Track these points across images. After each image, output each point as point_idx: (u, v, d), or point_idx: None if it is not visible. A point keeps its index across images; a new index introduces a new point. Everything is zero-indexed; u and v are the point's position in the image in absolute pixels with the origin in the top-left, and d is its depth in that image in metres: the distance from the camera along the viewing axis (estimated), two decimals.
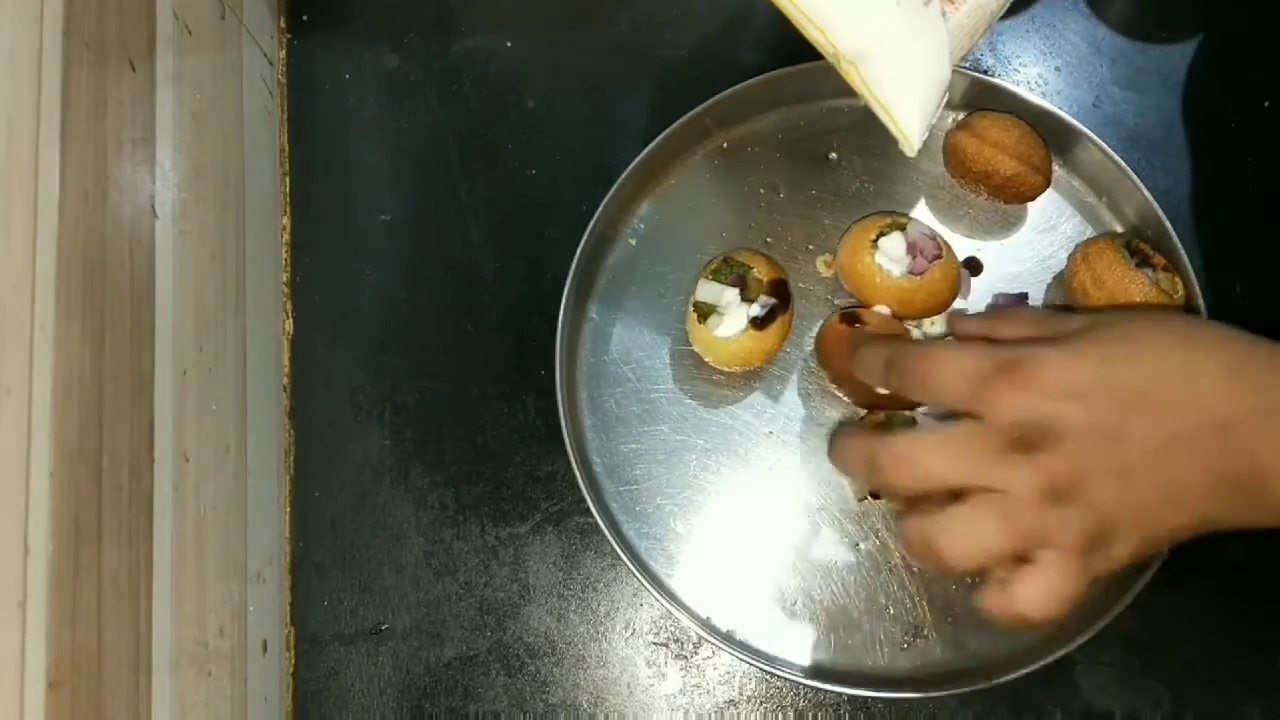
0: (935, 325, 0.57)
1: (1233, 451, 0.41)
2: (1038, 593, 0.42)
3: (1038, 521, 0.42)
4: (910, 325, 0.57)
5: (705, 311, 0.55)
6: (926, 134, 0.48)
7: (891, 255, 0.55)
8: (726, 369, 0.57)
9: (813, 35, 0.44)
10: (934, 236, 0.55)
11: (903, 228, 0.55)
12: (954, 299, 0.56)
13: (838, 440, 0.48)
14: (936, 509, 0.43)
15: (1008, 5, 0.48)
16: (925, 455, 0.43)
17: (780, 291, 0.55)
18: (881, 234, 0.55)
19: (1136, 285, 0.53)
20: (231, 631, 0.53)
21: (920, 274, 0.55)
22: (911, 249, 0.55)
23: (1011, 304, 0.58)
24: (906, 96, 0.46)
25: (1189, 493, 0.41)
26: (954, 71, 0.58)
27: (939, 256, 0.55)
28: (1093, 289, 0.54)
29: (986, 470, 0.42)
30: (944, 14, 0.44)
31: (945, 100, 0.49)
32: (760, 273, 0.55)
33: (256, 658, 0.56)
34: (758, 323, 0.54)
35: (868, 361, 0.49)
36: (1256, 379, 0.41)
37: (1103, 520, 0.41)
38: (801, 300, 0.59)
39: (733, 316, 0.54)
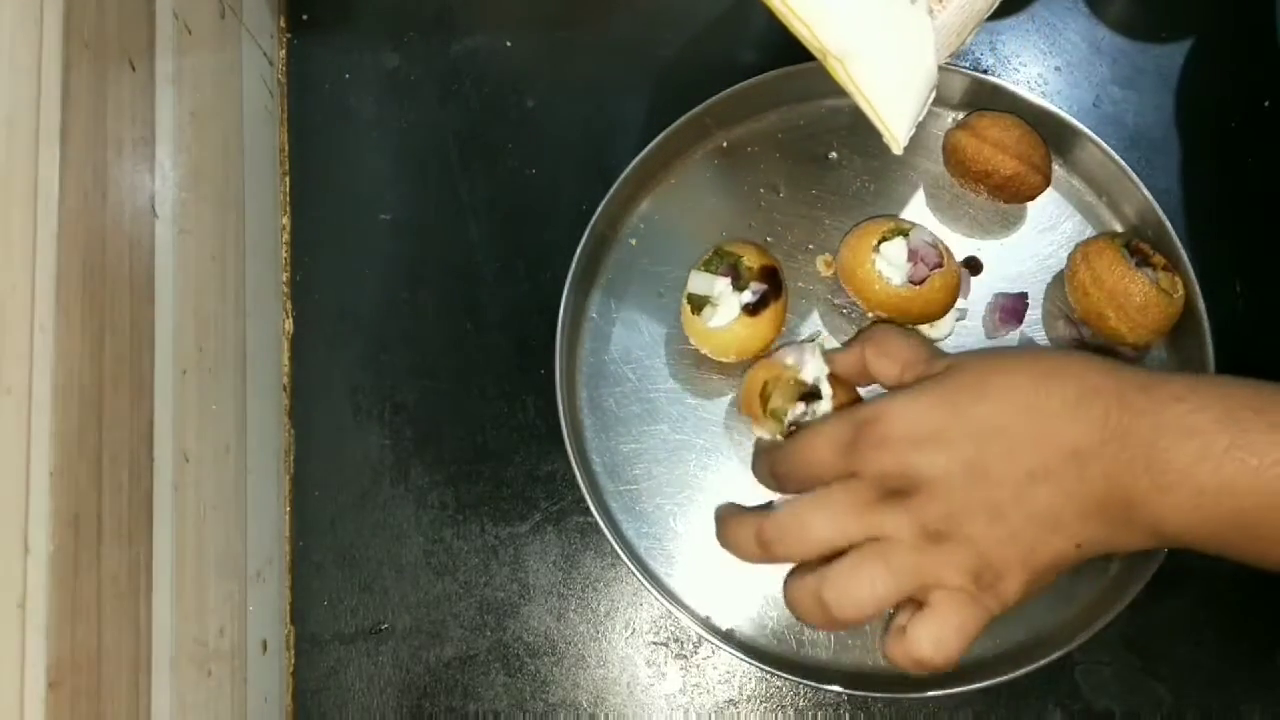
0: (935, 329, 0.57)
1: (1090, 479, 0.42)
2: (934, 633, 0.43)
3: (919, 563, 0.43)
4: (910, 328, 0.57)
5: (698, 303, 0.55)
6: (913, 131, 0.48)
7: (893, 261, 0.55)
8: (724, 359, 0.56)
9: (799, 30, 0.44)
10: (936, 245, 0.55)
11: (905, 234, 0.55)
12: (953, 304, 0.56)
13: (725, 523, 0.49)
14: (818, 567, 0.45)
15: (996, 4, 0.48)
16: (809, 520, 0.45)
17: (771, 278, 0.55)
18: (884, 239, 0.55)
19: (1136, 284, 0.53)
20: (231, 631, 0.53)
21: (920, 282, 0.54)
22: (913, 256, 0.55)
23: (1013, 303, 0.58)
24: (892, 94, 0.46)
25: (1060, 521, 0.42)
26: (953, 71, 0.58)
27: (940, 265, 0.55)
28: (1093, 288, 0.55)
29: (865, 521, 0.43)
30: (931, 12, 0.45)
31: (932, 98, 0.49)
32: (750, 261, 0.55)
33: (256, 657, 0.56)
34: (750, 309, 0.54)
35: (761, 475, 0.50)
36: (1105, 409, 0.42)
37: (983, 556, 0.42)
38: (801, 300, 0.59)
39: (725, 306, 0.54)
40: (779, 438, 0.52)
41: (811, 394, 0.52)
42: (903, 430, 0.44)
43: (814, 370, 0.52)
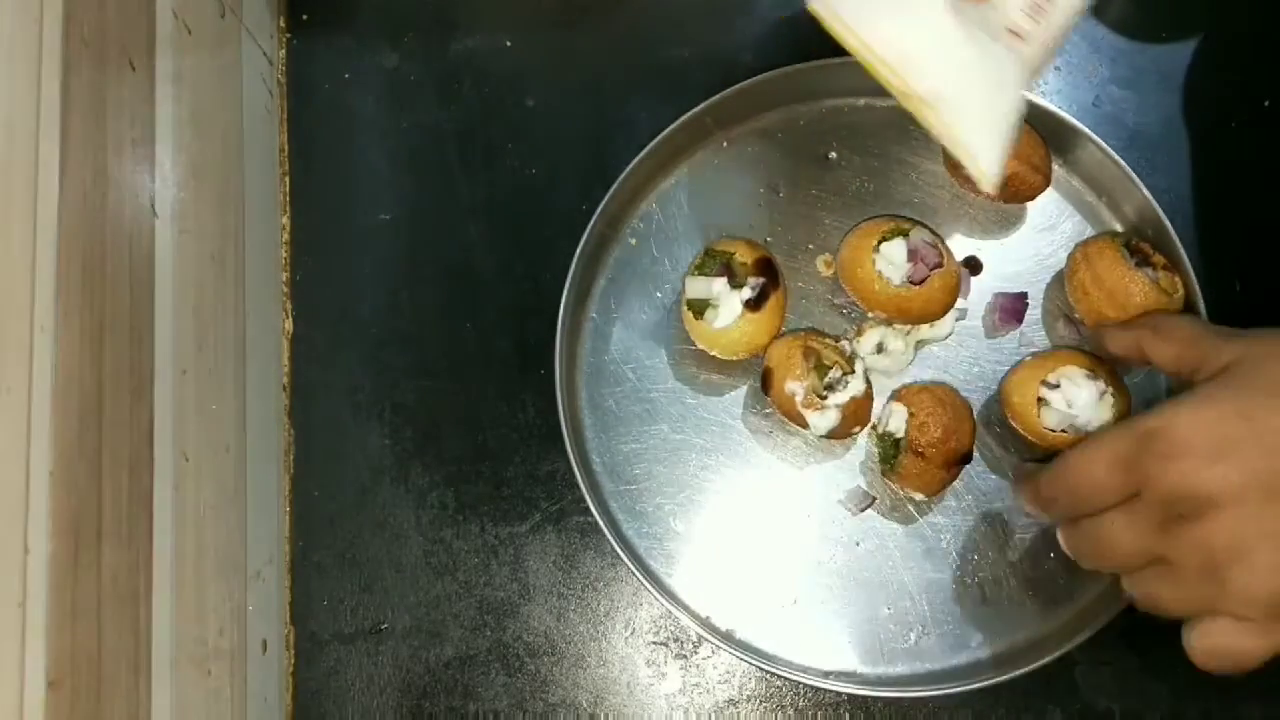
0: (935, 329, 0.57)
1: None
2: (1205, 646, 0.43)
3: (1206, 593, 0.42)
4: (909, 329, 0.57)
5: (699, 307, 0.55)
6: (1003, 169, 0.47)
7: (892, 261, 0.55)
8: (735, 357, 0.56)
9: (888, 79, 0.44)
10: (936, 245, 0.55)
11: (905, 234, 0.55)
12: (953, 304, 0.56)
13: (1026, 484, 0.49)
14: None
15: (1068, 38, 0.46)
16: (1112, 540, 0.44)
17: (767, 270, 0.55)
18: (884, 239, 0.55)
19: (1136, 284, 0.53)
20: (231, 631, 0.53)
21: (920, 282, 0.54)
22: (913, 256, 0.55)
23: (1012, 303, 0.58)
24: (983, 134, 0.45)
25: None
26: None
27: (939, 265, 0.55)
28: (1092, 288, 0.54)
29: (1152, 546, 0.43)
30: (1014, 48, 0.43)
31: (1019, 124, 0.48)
32: (743, 256, 0.55)
33: (256, 657, 0.56)
34: (751, 305, 0.54)
35: (1027, 497, 0.50)
36: None
37: (1275, 590, 0.40)
38: (801, 300, 0.59)
39: (726, 305, 0.54)
40: (812, 394, 0.54)
41: (849, 362, 0.55)
42: (1194, 443, 0.41)
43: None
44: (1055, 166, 0.59)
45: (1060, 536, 0.48)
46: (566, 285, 0.57)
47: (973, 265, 0.59)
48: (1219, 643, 0.42)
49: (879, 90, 0.60)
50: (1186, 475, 0.41)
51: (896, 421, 0.55)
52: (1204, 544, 0.41)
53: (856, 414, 0.55)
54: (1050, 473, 0.47)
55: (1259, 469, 0.40)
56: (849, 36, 0.43)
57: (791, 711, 0.57)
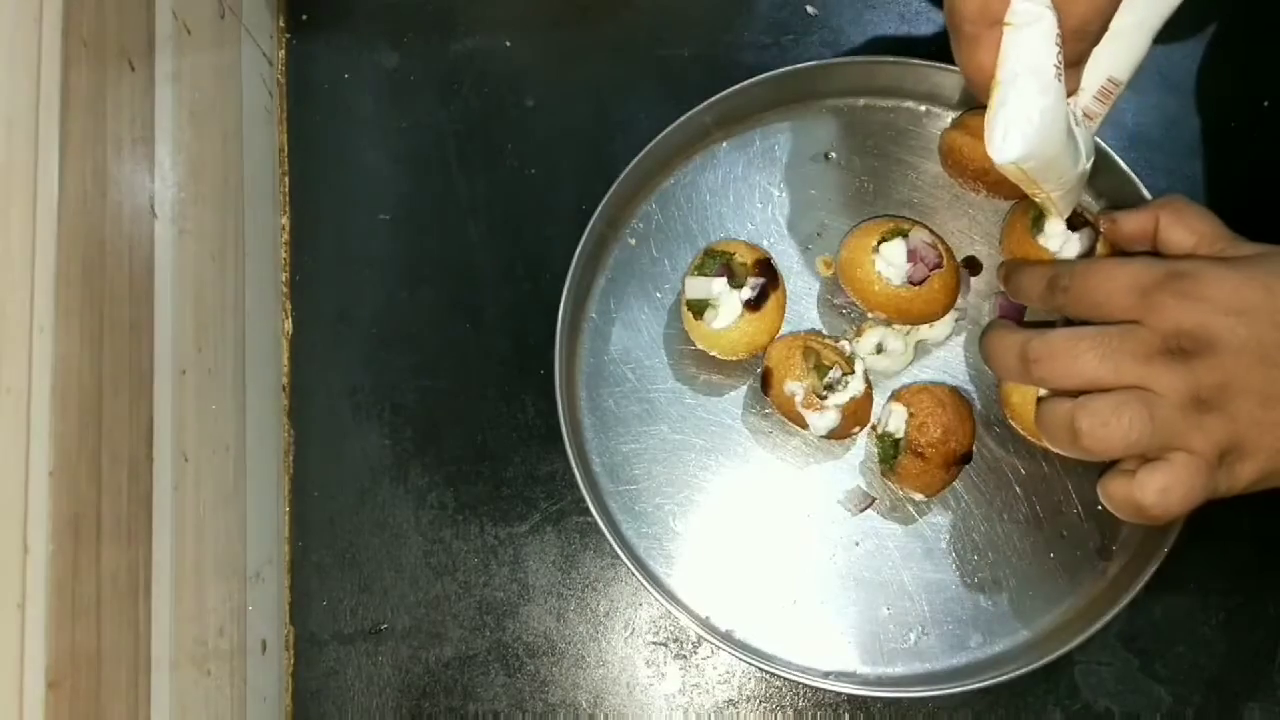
0: (935, 329, 0.57)
1: None
2: (1163, 485, 0.44)
3: (1177, 424, 0.43)
4: (909, 329, 0.57)
5: (699, 308, 0.55)
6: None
7: (892, 261, 0.55)
8: (735, 358, 0.56)
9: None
10: (936, 245, 0.55)
11: (905, 234, 0.55)
12: (953, 305, 0.56)
13: (992, 332, 0.49)
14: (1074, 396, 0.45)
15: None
16: (1082, 350, 0.45)
17: (766, 270, 0.55)
18: (884, 239, 0.55)
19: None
20: (231, 631, 0.53)
21: (919, 282, 0.54)
22: (913, 256, 0.55)
23: (1012, 303, 0.58)
24: (1063, 191, 0.50)
25: None
26: (953, 71, 0.58)
27: (939, 265, 0.55)
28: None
29: (1139, 369, 0.44)
30: (1088, 126, 0.50)
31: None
32: (743, 256, 0.55)
33: (256, 657, 0.56)
34: (752, 305, 0.54)
35: (1028, 283, 0.50)
36: None
37: (1237, 435, 0.43)
38: (800, 300, 0.59)
39: (726, 305, 0.55)
40: (812, 394, 0.54)
41: (849, 362, 0.55)
42: (1219, 294, 0.43)
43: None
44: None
45: (1034, 345, 0.46)
46: (566, 285, 0.57)
47: (973, 265, 0.59)
48: (1165, 482, 0.43)
49: (879, 90, 0.60)
50: (1198, 316, 0.43)
51: (896, 422, 0.55)
52: (1195, 379, 0.43)
53: (856, 414, 0.55)
54: (1072, 267, 0.48)
55: (1264, 335, 0.43)
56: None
57: (791, 712, 0.57)
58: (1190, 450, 0.43)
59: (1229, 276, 0.44)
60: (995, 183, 0.57)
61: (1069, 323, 0.48)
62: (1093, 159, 0.50)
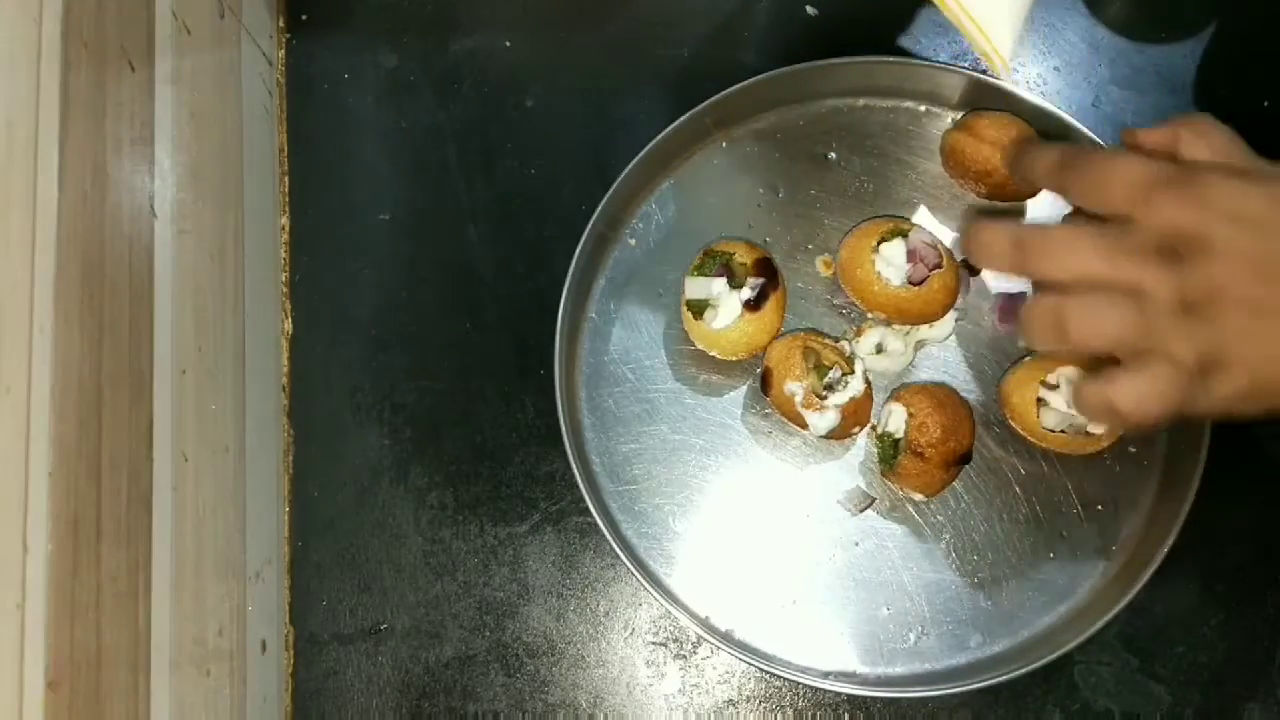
0: (935, 329, 0.57)
1: None
2: (1141, 389, 0.43)
3: (1163, 327, 0.42)
4: (909, 329, 0.57)
5: (698, 308, 0.55)
6: (1016, 53, 0.49)
7: (892, 261, 0.55)
8: (734, 358, 0.57)
9: None
10: (935, 245, 0.55)
11: (905, 234, 0.55)
12: (953, 305, 0.56)
13: (980, 225, 0.46)
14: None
15: None
16: (1076, 244, 0.44)
17: (766, 270, 0.55)
18: (883, 239, 0.55)
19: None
20: (230, 631, 0.53)
21: (919, 283, 0.54)
22: (912, 256, 0.55)
23: (1012, 303, 0.58)
24: (998, 12, 0.47)
25: None
26: (953, 71, 0.58)
27: (939, 265, 0.55)
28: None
29: (1133, 267, 0.43)
30: None
31: (1029, 14, 0.49)
32: (743, 256, 0.55)
33: (255, 657, 0.56)
34: (751, 305, 0.54)
35: (1038, 159, 0.48)
36: None
37: (1221, 345, 0.42)
38: (800, 300, 0.59)
39: (726, 306, 0.55)
40: (812, 394, 0.54)
41: (849, 362, 0.55)
42: (1219, 200, 0.42)
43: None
44: None
45: (1032, 234, 0.45)
46: (566, 285, 0.57)
47: (972, 265, 0.59)
48: (1143, 386, 0.43)
49: (879, 90, 0.60)
50: (1197, 218, 0.42)
51: (896, 422, 0.55)
52: (1186, 281, 0.42)
53: (856, 414, 0.55)
54: (1083, 153, 0.46)
55: (1264, 247, 0.42)
56: None
57: (791, 712, 0.57)
58: (1172, 356, 0.42)
59: (1236, 184, 0.42)
60: (998, 184, 0.57)
61: None
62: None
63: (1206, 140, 0.47)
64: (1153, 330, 0.42)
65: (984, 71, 0.62)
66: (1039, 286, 0.45)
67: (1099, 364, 0.54)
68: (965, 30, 0.48)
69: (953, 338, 0.58)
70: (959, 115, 0.59)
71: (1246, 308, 0.42)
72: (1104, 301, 0.43)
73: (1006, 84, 0.58)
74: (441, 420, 0.61)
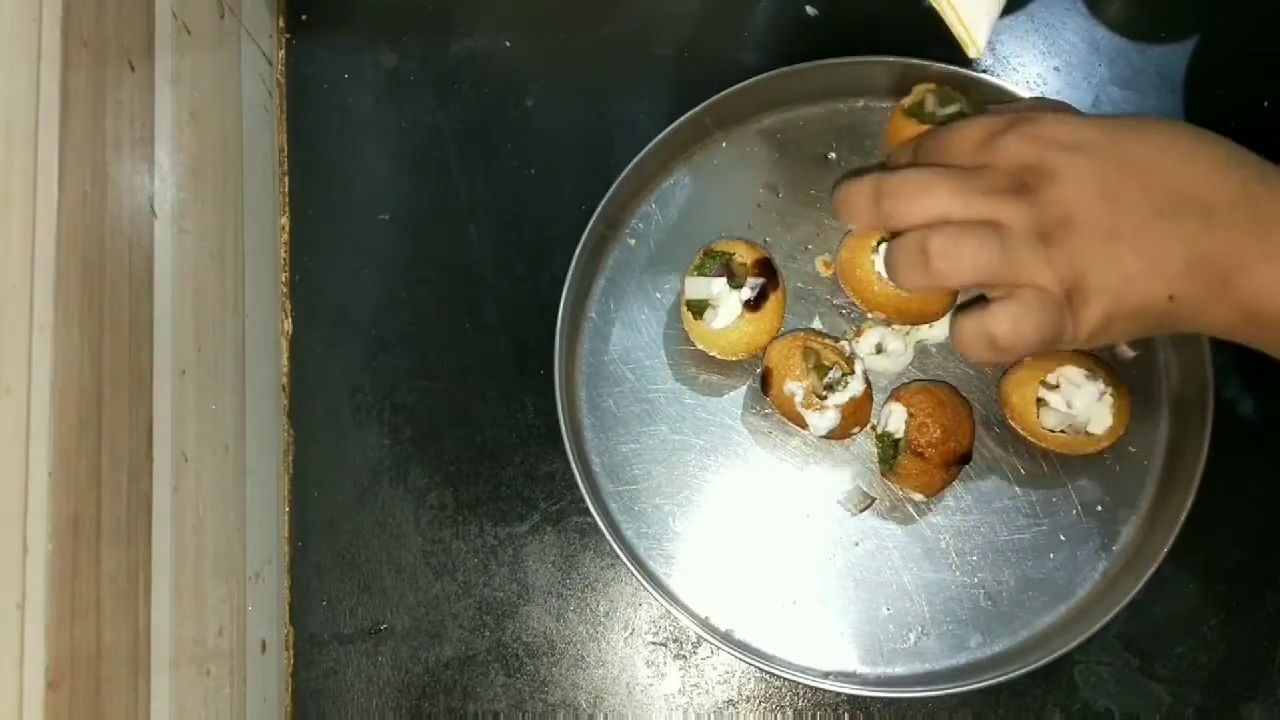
0: (935, 329, 0.57)
1: (1210, 234, 0.43)
2: (1015, 315, 0.44)
3: (1024, 257, 0.44)
4: (908, 329, 0.57)
5: (698, 308, 0.55)
6: (990, 36, 0.52)
7: None
8: (734, 358, 0.57)
9: None
10: None
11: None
12: (953, 304, 0.56)
13: (844, 183, 0.48)
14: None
15: None
16: (933, 184, 0.45)
17: (766, 270, 0.55)
18: (883, 239, 0.55)
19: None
20: (230, 631, 0.53)
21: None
22: None
23: None
24: (979, 7, 0.50)
25: (1165, 266, 0.43)
26: (955, 73, 0.58)
27: None
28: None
29: (987, 204, 0.44)
30: None
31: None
32: (743, 256, 0.55)
33: (255, 657, 0.56)
34: (751, 305, 0.54)
35: (849, 199, 0.48)
36: (1244, 178, 0.43)
37: (1081, 272, 0.44)
38: (800, 300, 0.59)
39: (726, 306, 0.55)
40: (812, 394, 0.54)
41: (849, 362, 0.55)
42: (1056, 133, 0.45)
43: None
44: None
45: (887, 182, 0.46)
46: (566, 285, 0.57)
47: None
48: (1015, 312, 0.44)
49: (879, 90, 0.60)
50: (1039, 150, 0.44)
51: (896, 422, 0.55)
52: (1039, 212, 0.44)
53: (856, 414, 0.55)
54: (936, 129, 0.49)
55: (1103, 170, 0.44)
56: None
57: (790, 712, 0.57)
58: (1037, 284, 0.44)
59: (1072, 120, 0.45)
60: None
61: None
62: None
63: (1048, 106, 0.49)
64: (1014, 261, 0.44)
65: (984, 71, 0.62)
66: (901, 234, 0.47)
67: (1094, 363, 0.54)
68: (942, 12, 0.50)
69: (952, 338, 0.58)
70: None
71: (1098, 231, 0.43)
72: (963, 234, 0.44)
73: (1007, 84, 0.58)
74: (441, 420, 0.61)
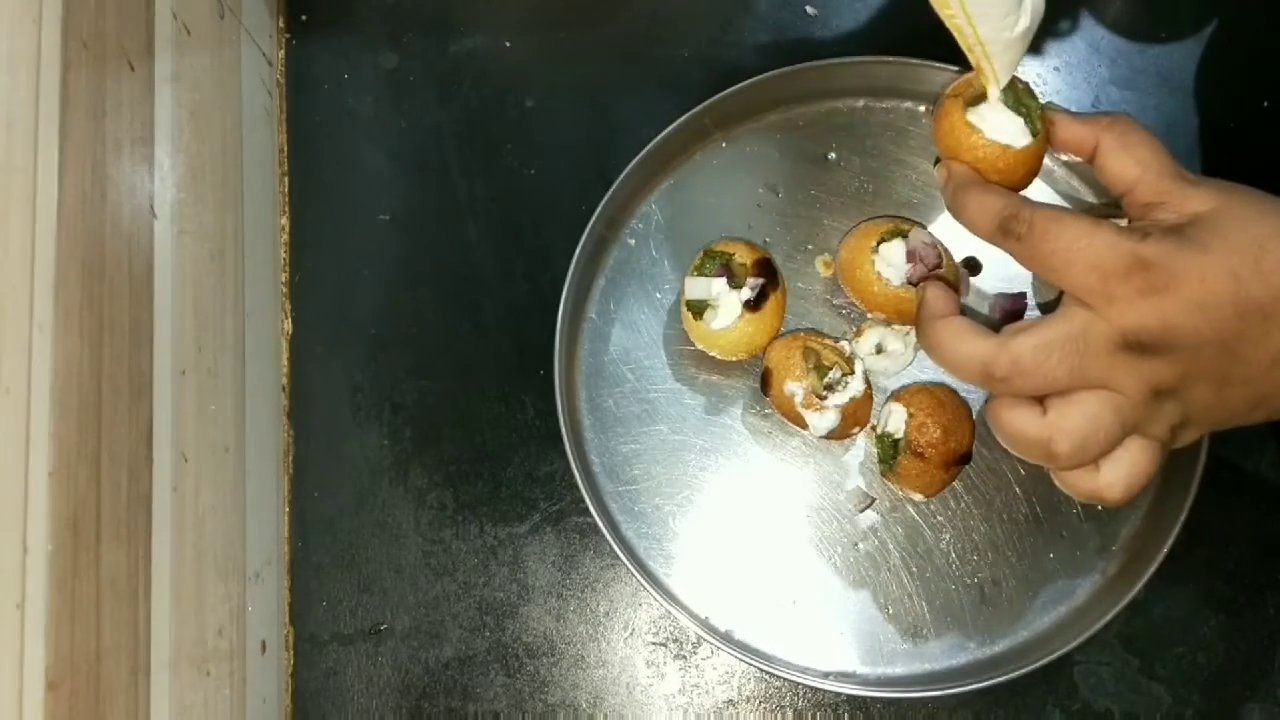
0: None
1: None
2: (1127, 475, 0.44)
3: (1139, 417, 0.43)
4: (909, 329, 0.57)
5: (698, 308, 0.55)
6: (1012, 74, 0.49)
7: (891, 262, 0.55)
8: (734, 358, 0.57)
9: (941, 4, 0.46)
10: (935, 245, 0.55)
11: (904, 234, 0.55)
12: None
13: (953, 343, 0.46)
14: (1039, 405, 0.45)
15: None
16: (1052, 365, 0.43)
17: (766, 270, 0.55)
18: (883, 239, 0.55)
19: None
20: (230, 632, 0.53)
21: (919, 283, 0.54)
22: (912, 256, 0.55)
23: (1012, 304, 0.58)
24: (1002, 46, 0.47)
25: (1272, 402, 0.44)
26: (951, 72, 0.58)
27: (938, 266, 0.55)
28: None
29: (1102, 371, 0.43)
30: None
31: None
32: (742, 256, 0.55)
33: (255, 658, 0.56)
34: (751, 305, 0.54)
35: (976, 212, 0.46)
36: None
37: (1190, 416, 0.44)
38: (800, 300, 0.59)
39: (726, 306, 0.55)
40: (812, 394, 0.54)
41: (849, 363, 0.55)
42: (1185, 292, 0.41)
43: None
44: (1055, 166, 0.59)
45: (1001, 363, 0.44)
46: (565, 286, 0.57)
47: (972, 265, 0.59)
48: (1127, 473, 0.44)
49: (879, 90, 0.60)
50: (1161, 315, 0.42)
51: (895, 422, 0.55)
52: (1156, 377, 0.43)
53: (856, 414, 0.55)
54: (1031, 212, 0.44)
55: (1226, 327, 0.42)
56: None
57: (790, 712, 0.57)
58: (1147, 436, 0.44)
59: (1196, 269, 0.41)
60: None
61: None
62: (1039, 20, 0.46)
63: (1130, 153, 0.46)
64: (1131, 424, 0.44)
65: None
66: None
67: None
68: (966, 46, 0.47)
69: None
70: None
71: (1213, 382, 0.43)
72: (1088, 425, 0.43)
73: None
74: (441, 420, 0.61)
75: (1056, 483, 0.47)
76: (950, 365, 0.46)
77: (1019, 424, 0.45)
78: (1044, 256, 0.44)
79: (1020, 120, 0.48)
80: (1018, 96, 0.49)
